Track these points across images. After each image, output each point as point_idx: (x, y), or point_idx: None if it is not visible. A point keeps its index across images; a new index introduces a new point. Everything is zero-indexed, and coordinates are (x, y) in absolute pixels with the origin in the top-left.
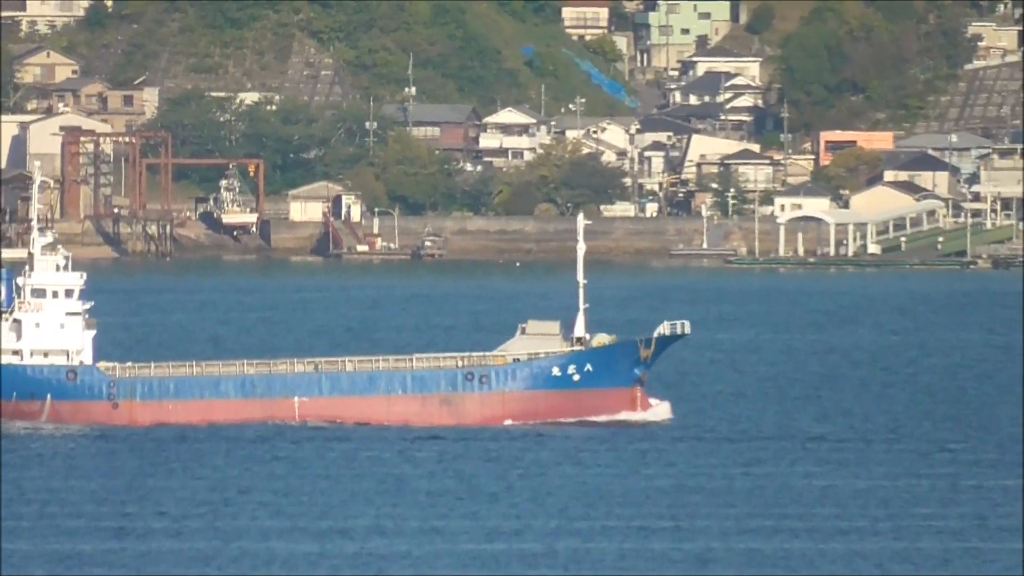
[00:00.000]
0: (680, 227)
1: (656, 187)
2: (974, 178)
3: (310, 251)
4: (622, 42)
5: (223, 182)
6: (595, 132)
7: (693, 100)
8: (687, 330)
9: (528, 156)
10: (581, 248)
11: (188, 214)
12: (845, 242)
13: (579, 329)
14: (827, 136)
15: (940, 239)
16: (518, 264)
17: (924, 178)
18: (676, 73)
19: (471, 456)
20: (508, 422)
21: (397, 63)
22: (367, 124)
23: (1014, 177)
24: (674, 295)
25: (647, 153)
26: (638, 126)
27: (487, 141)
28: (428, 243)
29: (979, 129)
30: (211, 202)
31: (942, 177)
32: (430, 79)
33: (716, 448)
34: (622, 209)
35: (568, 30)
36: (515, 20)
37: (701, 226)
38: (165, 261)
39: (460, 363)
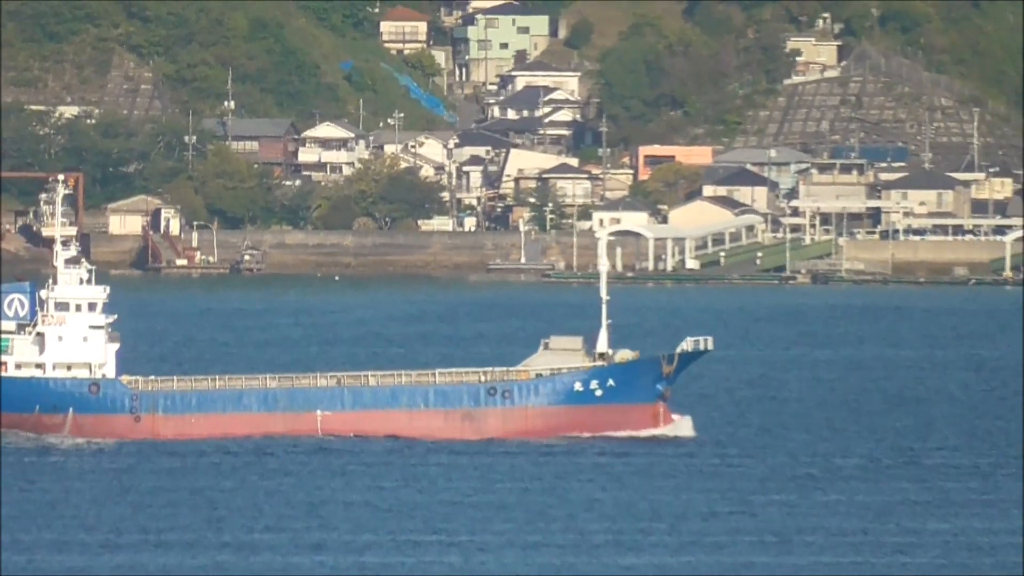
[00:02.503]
0: (498, 241)
1: (474, 201)
2: (793, 193)
3: (129, 265)
4: (441, 56)
5: (43, 195)
6: (413, 146)
7: (512, 114)
8: (710, 346)
9: (347, 170)
10: (604, 266)
11: (8, 227)
12: (664, 257)
13: (602, 345)
14: (646, 151)
15: (759, 254)
16: (337, 278)
17: (743, 193)
18: (495, 87)
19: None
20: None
21: (216, 77)
22: (186, 138)
23: (833, 192)
24: (472, 311)
25: (465, 167)
26: (456, 140)
27: (306, 155)
28: (247, 257)
29: (798, 144)
30: (31, 215)
31: (761, 192)
32: (249, 93)
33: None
34: (440, 223)
35: (387, 44)
36: (334, 34)
37: (519, 240)
38: None
39: (483, 378)
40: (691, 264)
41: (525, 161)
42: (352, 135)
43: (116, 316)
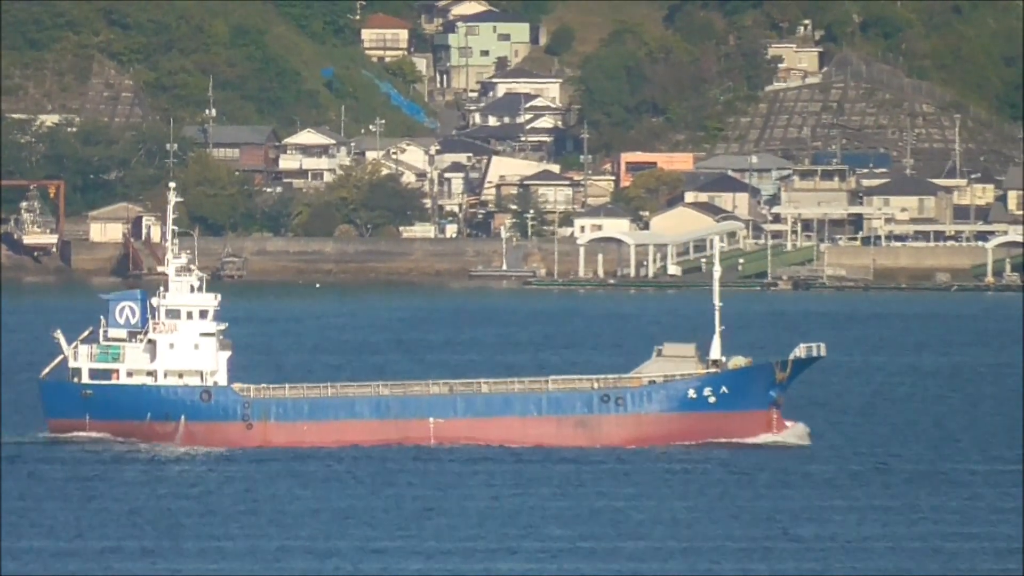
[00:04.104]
0: (479, 248)
1: (456, 208)
2: (774, 199)
3: (110, 272)
4: (422, 63)
5: (24, 203)
6: (395, 153)
7: (493, 121)
8: (823, 352)
9: (328, 177)
10: (717, 271)
11: None
12: (645, 263)
13: (715, 351)
14: (627, 157)
15: (740, 260)
16: (318, 285)
17: (724, 199)
18: (476, 94)
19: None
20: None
21: (197, 85)
22: (167, 145)
23: (814, 198)
24: (451, 317)
25: (447, 174)
26: (438, 147)
27: (287, 162)
28: (228, 264)
29: (779, 150)
30: (12, 223)
31: (742, 198)
32: (230, 100)
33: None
34: (422, 230)
35: (368, 51)
36: (315, 42)
37: (500, 247)
38: None
39: (596, 385)
40: (673, 270)
41: (506, 168)
42: (333, 142)
43: (227, 324)
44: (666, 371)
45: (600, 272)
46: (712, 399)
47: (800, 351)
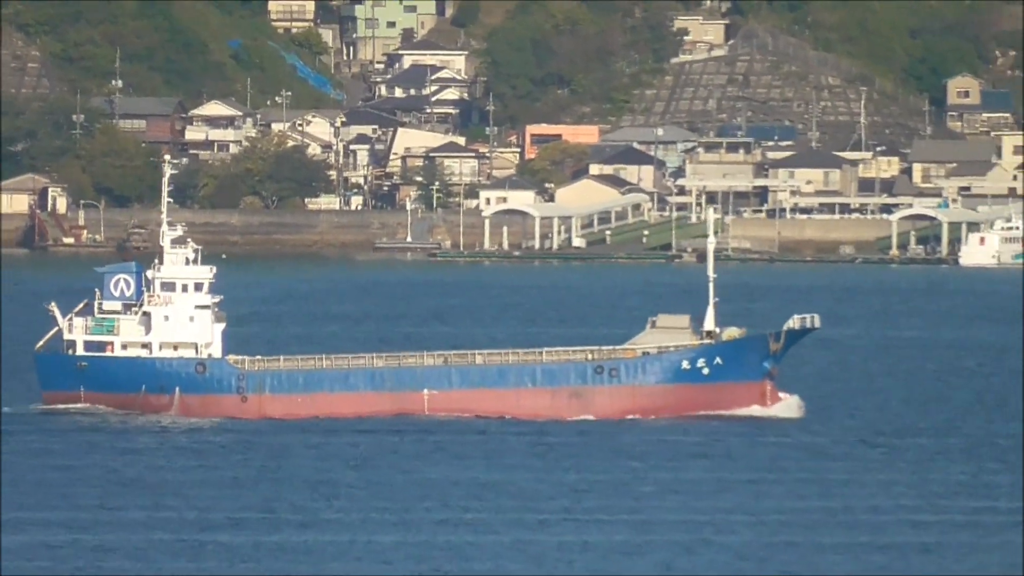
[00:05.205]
0: (385, 220)
1: (361, 180)
2: (679, 172)
3: (16, 243)
4: (328, 35)
5: None
6: (300, 125)
7: (399, 93)
8: (817, 324)
9: (234, 149)
10: (711, 243)
11: None
12: (550, 236)
13: (709, 323)
14: (532, 129)
15: (645, 232)
16: (224, 256)
17: (629, 172)
18: (382, 66)
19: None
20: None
21: (104, 56)
22: (74, 117)
23: (719, 171)
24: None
25: (352, 146)
26: (343, 119)
27: (193, 134)
28: (134, 235)
29: (685, 123)
30: None
31: (647, 171)
32: (137, 72)
33: None
34: (327, 202)
35: (274, 23)
36: (221, 13)
37: (406, 219)
38: None
39: (590, 356)
40: (577, 243)
41: (412, 140)
42: (239, 113)
43: (222, 296)
44: (660, 342)
45: (505, 244)
46: (706, 370)
47: (794, 322)
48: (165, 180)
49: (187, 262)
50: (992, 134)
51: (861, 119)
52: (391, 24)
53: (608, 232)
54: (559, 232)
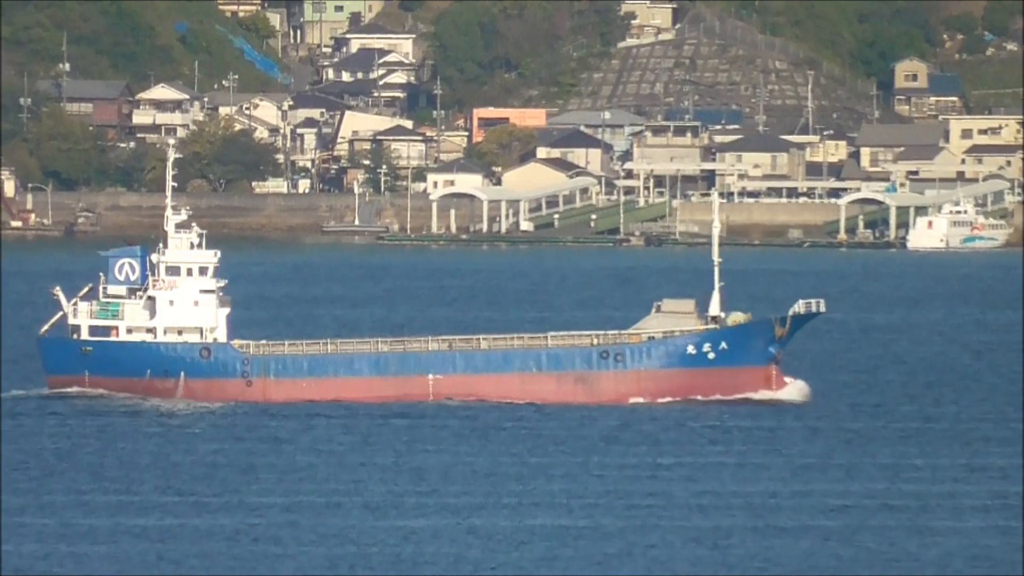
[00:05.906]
0: (332, 204)
1: (308, 163)
2: (627, 155)
3: None
4: (275, 19)
5: None
6: (248, 108)
7: (346, 77)
8: (822, 308)
9: (181, 132)
10: (716, 227)
11: None
12: (498, 219)
13: (714, 307)
14: (480, 113)
15: (593, 216)
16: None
17: (577, 155)
18: (329, 50)
19: None
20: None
21: (51, 39)
22: (21, 100)
23: (667, 154)
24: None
25: (299, 130)
26: (291, 103)
27: (140, 117)
28: (81, 219)
29: (632, 107)
30: None
31: (595, 154)
32: (84, 55)
33: None
34: (274, 185)
35: (221, 6)
36: None
37: (353, 203)
38: None
39: (595, 341)
40: (525, 226)
41: (359, 123)
42: (187, 97)
43: (227, 280)
44: (665, 327)
45: (453, 228)
46: (711, 355)
47: (799, 307)
48: (169, 165)
49: (191, 246)
50: (940, 118)
51: (809, 103)
52: (339, 8)
53: (556, 216)
54: (507, 216)
